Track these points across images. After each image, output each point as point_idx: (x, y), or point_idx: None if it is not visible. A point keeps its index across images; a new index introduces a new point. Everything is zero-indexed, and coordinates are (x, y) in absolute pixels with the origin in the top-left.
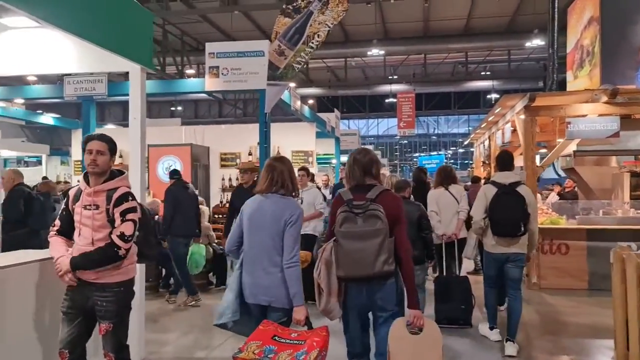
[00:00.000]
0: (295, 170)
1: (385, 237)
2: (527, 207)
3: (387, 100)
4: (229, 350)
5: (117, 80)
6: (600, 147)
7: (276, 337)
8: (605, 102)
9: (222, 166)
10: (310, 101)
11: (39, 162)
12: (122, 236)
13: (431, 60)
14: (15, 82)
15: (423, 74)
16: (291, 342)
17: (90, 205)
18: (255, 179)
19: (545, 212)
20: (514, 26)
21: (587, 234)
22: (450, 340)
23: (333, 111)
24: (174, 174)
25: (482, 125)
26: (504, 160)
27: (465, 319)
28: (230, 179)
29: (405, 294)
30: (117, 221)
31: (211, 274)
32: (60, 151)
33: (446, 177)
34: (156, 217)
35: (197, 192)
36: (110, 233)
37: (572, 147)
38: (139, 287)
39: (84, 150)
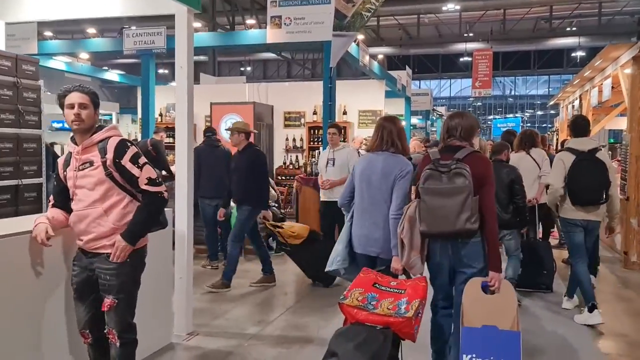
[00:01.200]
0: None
1: (469, 196)
2: (608, 174)
3: (461, 60)
4: (283, 327)
5: None
6: None
7: (377, 285)
8: None
9: (286, 126)
10: (380, 56)
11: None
12: (151, 181)
13: (511, 16)
14: (77, 36)
15: (501, 30)
16: (391, 290)
17: (84, 164)
18: (247, 143)
19: None
20: None
21: None
22: (529, 303)
23: (404, 69)
24: (207, 131)
25: (575, 82)
26: (580, 126)
27: (547, 283)
28: (294, 139)
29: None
30: (134, 171)
31: (271, 238)
32: (134, 109)
33: (527, 141)
34: None
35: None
36: (136, 187)
37: None
38: (186, 252)
39: (62, 106)
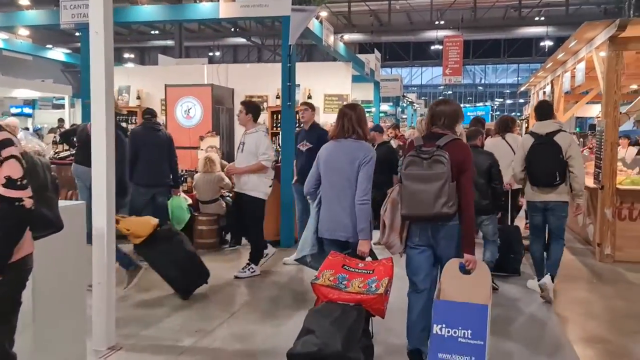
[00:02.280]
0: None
1: (447, 182)
2: (562, 156)
3: (432, 47)
4: (223, 338)
5: (122, 6)
6: None
7: (346, 267)
8: None
9: None
10: (345, 37)
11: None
12: (10, 182)
13: (481, 4)
14: (6, 8)
15: (472, 19)
16: (360, 271)
17: None
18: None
19: (621, 170)
20: None
21: None
22: (499, 285)
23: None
24: (146, 113)
25: (547, 66)
26: (543, 110)
27: (514, 267)
28: None
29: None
30: None
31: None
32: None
33: (503, 126)
34: None
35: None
36: None
37: None
38: (106, 252)
39: None
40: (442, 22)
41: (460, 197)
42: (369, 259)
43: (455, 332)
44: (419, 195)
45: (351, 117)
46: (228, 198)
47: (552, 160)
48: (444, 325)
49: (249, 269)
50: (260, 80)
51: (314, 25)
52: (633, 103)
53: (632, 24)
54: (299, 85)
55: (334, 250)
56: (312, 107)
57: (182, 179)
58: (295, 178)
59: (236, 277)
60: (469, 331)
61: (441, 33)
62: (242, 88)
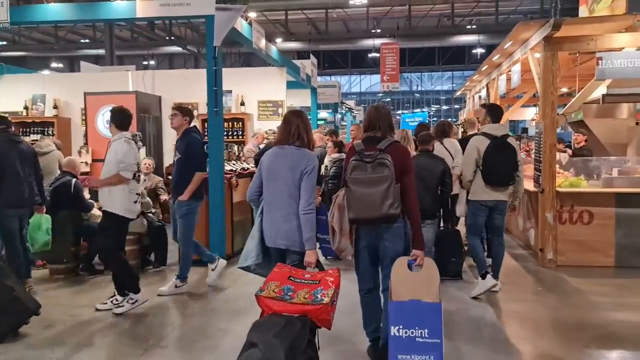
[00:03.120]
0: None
1: (392, 184)
2: (518, 158)
3: (370, 56)
4: None
5: (24, 6)
6: (636, 91)
7: (292, 278)
8: None
9: None
10: (284, 44)
11: None
12: None
13: (416, 12)
14: None
15: (407, 27)
16: (306, 282)
17: None
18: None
19: (558, 173)
20: None
21: (616, 199)
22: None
23: (317, 66)
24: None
25: (483, 69)
26: (497, 112)
27: (456, 271)
28: None
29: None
30: None
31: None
32: None
33: (440, 131)
34: (73, 180)
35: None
36: None
37: (601, 90)
38: None
39: None
40: (378, 31)
41: (404, 197)
42: (315, 269)
43: (412, 332)
44: (366, 198)
45: (298, 124)
46: (151, 215)
47: (510, 162)
48: (401, 327)
49: (111, 301)
50: (190, 87)
51: (242, 26)
52: (569, 104)
53: (566, 23)
54: (230, 91)
55: (278, 258)
56: (183, 112)
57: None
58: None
59: (97, 310)
60: (426, 330)
61: (378, 41)
62: (170, 95)
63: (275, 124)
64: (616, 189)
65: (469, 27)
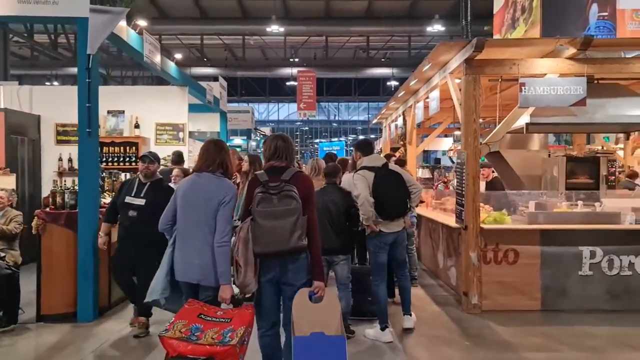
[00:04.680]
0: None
1: (299, 216)
2: (408, 183)
3: (287, 84)
4: None
5: None
6: (561, 120)
7: (202, 315)
8: (569, 57)
9: (60, 142)
10: (200, 69)
11: None
12: None
13: (333, 43)
14: None
15: (324, 57)
16: (217, 320)
17: None
18: None
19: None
20: (415, 11)
21: (541, 237)
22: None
23: (233, 93)
24: None
25: (400, 95)
26: (366, 146)
27: (372, 310)
28: (71, 159)
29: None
30: None
31: None
32: None
33: (351, 165)
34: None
35: None
36: None
37: (524, 118)
38: None
39: None
40: (296, 60)
41: (308, 228)
42: (230, 305)
43: None
44: (274, 231)
45: (216, 151)
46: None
47: (402, 190)
48: None
49: None
50: (75, 105)
51: (128, 35)
52: (492, 133)
53: (489, 45)
54: (123, 112)
55: (188, 293)
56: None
57: None
58: None
59: None
60: None
61: (296, 70)
62: (51, 114)
63: (174, 149)
64: (541, 226)
65: (383, 60)
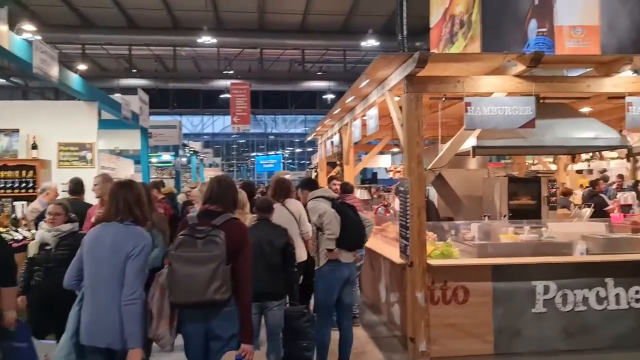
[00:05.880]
0: None
1: (221, 264)
2: (361, 216)
3: (222, 96)
4: None
5: None
6: (509, 143)
7: None
8: (517, 75)
9: None
10: (129, 80)
11: None
12: None
13: (268, 56)
14: None
15: (260, 69)
16: None
17: None
18: None
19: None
20: (349, 26)
21: (493, 272)
22: None
23: (165, 106)
24: None
25: (335, 112)
26: (312, 182)
27: (307, 356)
28: None
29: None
30: None
31: None
32: None
33: (281, 191)
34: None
35: None
36: None
37: (471, 141)
38: None
39: None
40: (231, 72)
41: (236, 281)
42: None
43: None
44: (190, 279)
45: (126, 197)
46: None
47: (358, 220)
48: None
49: None
50: None
51: (10, 42)
52: (438, 157)
53: (433, 59)
54: (17, 130)
55: (97, 357)
56: None
57: None
58: None
59: None
60: None
61: (230, 82)
62: None
63: (80, 172)
64: (492, 260)
65: (319, 73)
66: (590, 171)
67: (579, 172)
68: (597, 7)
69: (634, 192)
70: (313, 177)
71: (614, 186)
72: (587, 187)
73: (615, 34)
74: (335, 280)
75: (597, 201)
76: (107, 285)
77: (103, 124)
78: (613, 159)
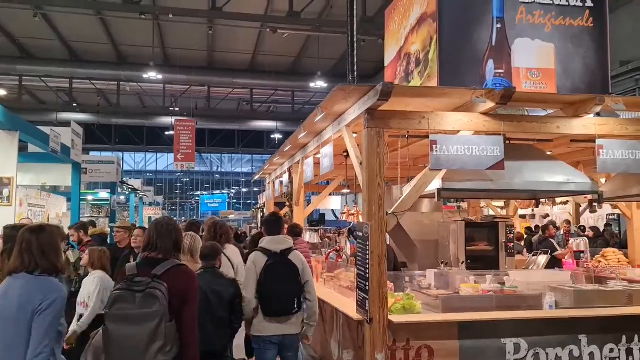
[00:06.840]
0: None
1: (162, 321)
2: (301, 279)
3: (167, 133)
4: None
5: None
6: (476, 186)
7: None
8: (484, 113)
9: None
10: (69, 115)
11: None
12: None
13: (215, 94)
14: None
15: (207, 107)
16: None
17: None
18: None
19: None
20: (298, 67)
21: (459, 329)
22: None
23: (108, 141)
24: None
25: (286, 149)
26: (276, 223)
27: None
28: None
29: None
30: None
31: None
32: None
33: (222, 235)
34: None
35: None
36: None
37: (436, 183)
38: None
39: None
40: (176, 109)
41: (181, 336)
42: None
43: None
44: (127, 341)
45: (31, 244)
46: None
47: (291, 284)
48: None
49: None
50: None
51: None
52: (401, 200)
53: (397, 93)
54: None
55: None
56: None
57: None
58: None
59: None
60: None
61: (175, 119)
62: None
63: None
64: (459, 317)
65: (267, 112)
66: (533, 216)
67: (522, 217)
68: (552, 50)
69: (586, 239)
70: (264, 217)
71: (562, 231)
72: (532, 232)
73: (570, 77)
74: (266, 343)
75: (546, 246)
76: (15, 348)
77: (30, 157)
78: (556, 204)
